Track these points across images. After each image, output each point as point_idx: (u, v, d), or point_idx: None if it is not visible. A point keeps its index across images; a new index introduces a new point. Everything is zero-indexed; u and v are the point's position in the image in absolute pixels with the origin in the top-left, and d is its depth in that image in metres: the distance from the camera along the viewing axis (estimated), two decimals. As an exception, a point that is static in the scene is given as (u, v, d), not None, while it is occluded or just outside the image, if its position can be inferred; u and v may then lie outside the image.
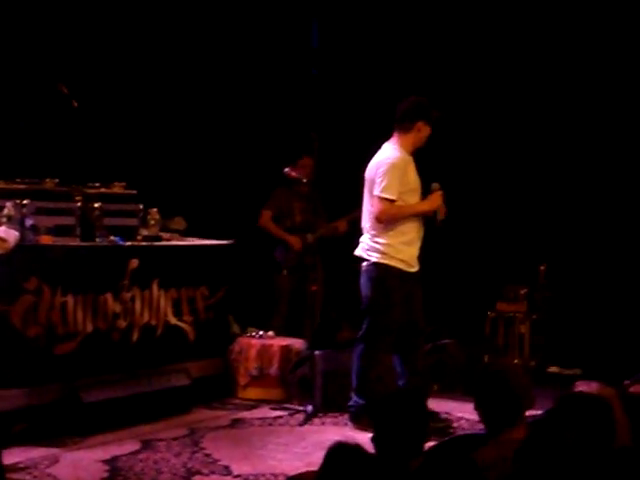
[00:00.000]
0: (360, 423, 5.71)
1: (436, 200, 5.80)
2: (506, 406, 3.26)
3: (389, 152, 5.76)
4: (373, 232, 5.75)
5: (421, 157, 7.94)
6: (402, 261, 5.74)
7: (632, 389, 4.22)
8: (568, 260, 7.54)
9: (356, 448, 2.86)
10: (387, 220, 5.69)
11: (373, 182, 5.70)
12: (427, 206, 5.81)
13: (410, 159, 5.80)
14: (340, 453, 2.85)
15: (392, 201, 5.65)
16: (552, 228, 7.65)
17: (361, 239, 5.86)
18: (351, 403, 5.89)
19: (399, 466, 3.06)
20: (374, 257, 5.73)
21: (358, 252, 5.84)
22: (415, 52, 8.22)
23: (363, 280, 5.79)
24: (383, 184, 5.63)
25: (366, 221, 5.82)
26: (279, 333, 7.05)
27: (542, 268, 7.32)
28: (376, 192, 5.66)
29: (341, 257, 7.13)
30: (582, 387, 3.75)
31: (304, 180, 7.03)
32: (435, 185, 5.83)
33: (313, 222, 7.24)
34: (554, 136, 7.72)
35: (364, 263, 5.77)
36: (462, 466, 2.81)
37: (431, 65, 8.14)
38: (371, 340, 5.78)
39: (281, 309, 7.47)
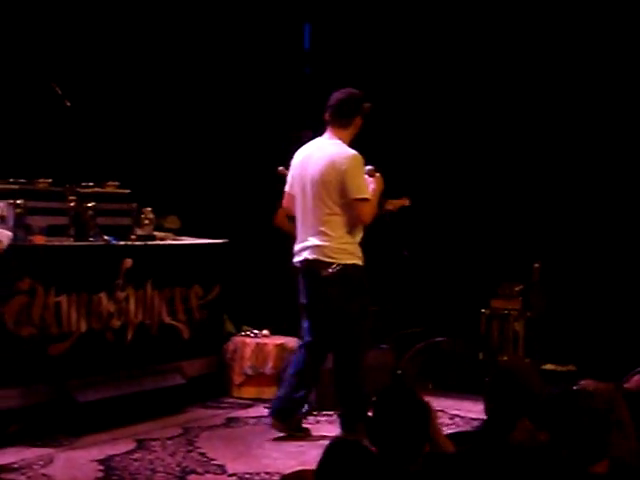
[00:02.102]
0: None
1: (381, 182, 5.63)
2: (519, 403, 3.27)
3: (340, 149, 5.48)
4: (334, 233, 5.42)
5: (414, 154, 7.96)
6: (361, 258, 5.54)
7: (626, 385, 4.21)
8: (563, 257, 7.55)
9: (356, 443, 2.86)
10: (371, 220, 5.56)
11: (330, 183, 5.41)
12: (379, 188, 5.60)
13: None
14: (340, 448, 2.85)
15: (368, 200, 5.47)
16: (547, 226, 7.66)
17: (312, 242, 5.48)
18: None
19: (399, 463, 3.04)
20: (345, 259, 5.45)
21: (314, 256, 5.46)
22: (405, 53, 8.24)
23: (334, 286, 5.43)
24: (358, 185, 5.41)
25: (319, 223, 5.45)
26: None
27: (536, 265, 7.31)
28: (354, 195, 5.40)
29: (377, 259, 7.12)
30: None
31: None
32: (370, 169, 5.61)
33: None
34: (549, 134, 7.73)
35: (333, 267, 5.42)
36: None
37: (423, 66, 8.16)
38: (360, 348, 5.59)
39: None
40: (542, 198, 7.73)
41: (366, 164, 5.55)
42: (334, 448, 2.85)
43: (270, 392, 6.58)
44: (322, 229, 5.45)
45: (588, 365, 6.63)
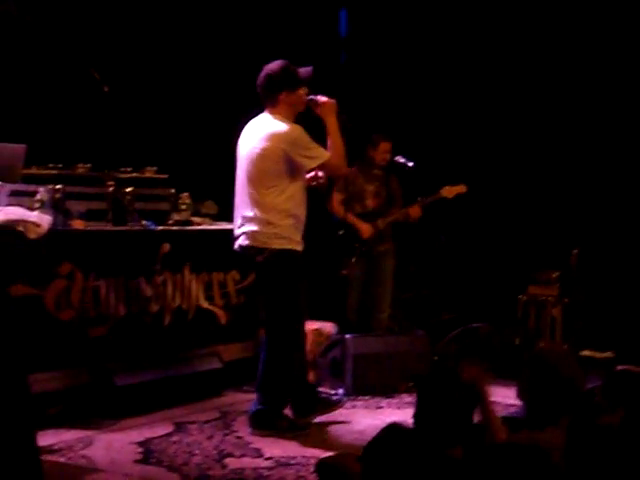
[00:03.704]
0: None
1: (329, 106, 5.29)
2: (559, 393, 3.24)
3: (275, 126, 5.22)
4: (268, 218, 5.19)
5: (452, 140, 7.91)
6: (299, 243, 5.32)
7: None
8: (601, 244, 7.50)
9: (409, 431, 2.86)
10: (344, 166, 5.35)
11: (265, 163, 5.18)
12: (331, 114, 5.27)
13: None
14: (392, 434, 2.85)
15: (327, 158, 5.20)
16: (585, 212, 7.61)
17: (242, 229, 5.28)
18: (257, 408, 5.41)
19: (442, 449, 3.03)
20: (277, 244, 5.22)
21: (247, 242, 5.26)
22: (443, 41, 8.20)
23: (266, 272, 5.25)
24: (309, 155, 5.15)
25: (252, 207, 5.22)
26: (351, 323, 6.96)
27: (575, 251, 7.26)
28: (311, 167, 5.23)
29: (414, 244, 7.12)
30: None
31: (382, 164, 7.02)
32: (310, 98, 5.32)
33: (386, 207, 7.11)
34: (587, 119, 7.67)
35: (264, 253, 5.21)
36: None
37: (460, 54, 8.12)
38: (287, 340, 5.33)
39: (351, 299, 7.15)
40: (581, 184, 7.67)
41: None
42: (386, 433, 2.84)
43: (306, 377, 6.63)
44: (255, 213, 5.22)
45: (627, 351, 6.57)
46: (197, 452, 4.95)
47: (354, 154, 7.18)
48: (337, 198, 7.08)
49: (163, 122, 7.35)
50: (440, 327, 7.29)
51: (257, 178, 5.23)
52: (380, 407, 6.11)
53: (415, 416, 3.19)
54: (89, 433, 5.20)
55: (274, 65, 5.31)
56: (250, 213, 5.24)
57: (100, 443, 5.05)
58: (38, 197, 5.41)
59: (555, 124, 7.79)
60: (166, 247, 5.97)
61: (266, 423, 5.34)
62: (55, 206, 5.47)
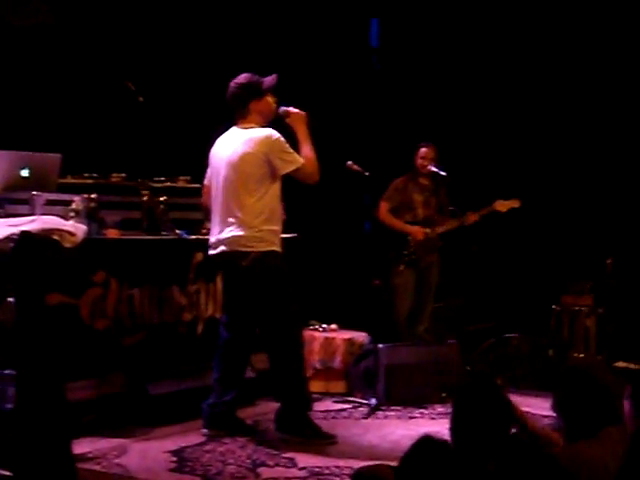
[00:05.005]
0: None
1: (299, 117, 5.41)
2: (596, 405, 3.21)
3: (252, 132, 5.34)
4: (250, 222, 5.24)
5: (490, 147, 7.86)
6: (279, 245, 5.37)
7: None
8: (635, 253, 7.44)
9: (443, 444, 2.84)
10: (317, 176, 5.39)
11: (245, 169, 5.26)
12: (302, 126, 5.40)
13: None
14: (426, 446, 2.83)
15: (302, 165, 5.29)
16: (619, 221, 7.55)
17: (228, 234, 5.30)
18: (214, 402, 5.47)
19: (478, 462, 3.01)
20: (262, 247, 5.26)
21: (231, 247, 5.30)
22: (475, 48, 8.19)
23: (254, 276, 5.26)
24: (284, 159, 5.24)
25: (234, 212, 5.28)
26: (401, 332, 6.98)
27: (608, 261, 7.21)
28: (285, 171, 5.27)
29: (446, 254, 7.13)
30: None
31: (422, 171, 7.03)
32: (282, 110, 5.43)
33: (436, 217, 7.11)
34: (620, 129, 7.62)
35: (250, 256, 5.24)
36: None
37: (490, 60, 8.10)
38: (292, 338, 5.41)
39: (399, 307, 7.13)
40: (615, 194, 7.62)
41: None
42: (420, 446, 2.83)
43: (338, 386, 6.64)
44: (237, 218, 5.27)
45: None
46: (231, 461, 4.96)
47: (401, 165, 7.21)
48: (384, 207, 7.08)
49: (196, 132, 7.37)
50: (472, 337, 7.28)
51: (239, 183, 5.29)
52: (413, 417, 6.09)
53: (452, 429, 3.16)
54: (123, 441, 5.22)
55: (239, 78, 5.44)
56: (232, 219, 5.29)
57: (134, 451, 5.07)
58: (73, 206, 5.44)
59: (589, 132, 7.75)
60: (199, 256, 5.98)
61: (290, 427, 5.36)
62: (90, 215, 5.50)
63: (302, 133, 5.41)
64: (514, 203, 7.07)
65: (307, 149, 5.37)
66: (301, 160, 5.31)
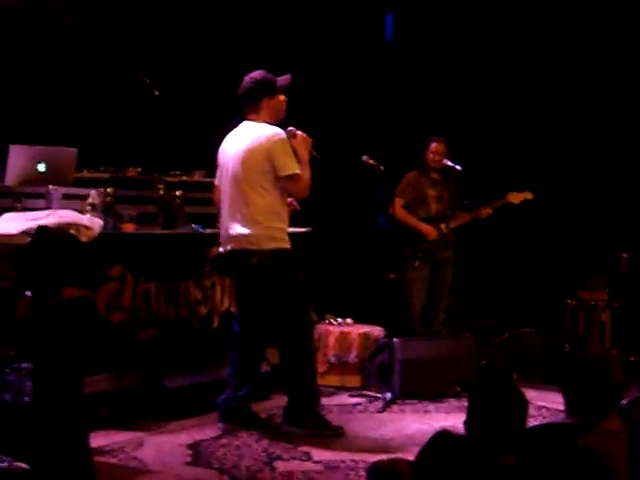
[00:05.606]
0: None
1: (304, 140, 5.43)
2: (603, 396, 3.21)
3: (260, 130, 5.35)
4: (259, 220, 5.26)
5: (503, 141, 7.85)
6: (288, 242, 5.38)
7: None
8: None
9: (461, 439, 2.84)
10: (307, 193, 5.38)
11: (252, 166, 5.28)
12: (305, 149, 5.40)
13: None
14: (444, 441, 2.83)
15: (297, 174, 5.29)
16: (635, 215, 7.53)
17: (237, 231, 5.32)
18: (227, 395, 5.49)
19: (494, 457, 3.01)
20: (271, 245, 5.29)
21: (240, 245, 5.32)
22: (489, 42, 8.17)
23: (263, 273, 5.29)
24: (284, 162, 5.25)
25: (243, 210, 5.30)
26: (416, 326, 6.99)
27: (624, 256, 7.18)
28: (281, 173, 5.25)
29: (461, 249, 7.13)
30: None
31: (433, 165, 7.03)
32: (289, 130, 5.43)
33: (449, 212, 7.11)
34: (635, 124, 7.60)
35: (260, 254, 5.26)
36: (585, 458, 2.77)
37: (504, 54, 8.08)
38: (302, 333, 5.42)
39: (414, 302, 7.11)
40: (630, 188, 7.60)
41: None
42: (438, 440, 2.83)
43: (354, 380, 6.64)
44: (246, 216, 5.29)
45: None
46: (246, 455, 4.97)
47: (411, 159, 7.20)
48: (399, 202, 7.06)
49: (212, 126, 7.38)
50: (487, 332, 7.26)
51: (243, 177, 5.31)
52: (428, 411, 6.09)
53: (467, 423, 3.16)
54: (139, 435, 5.24)
55: (254, 73, 5.45)
56: (238, 215, 5.32)
57: (150, 445, 5.09)
58: (89, 200, 5.46)
59: (607, 123, 7.72)
60: (215, 250, 5.99)
61: (297, 420, 5.38)
62: (106, 209, 5.52)
63: (303, 156, 5.40)
64: (527, 195, 7.06)
65: (305, 170, 5.38)
66: (298, 169, 5.30)
